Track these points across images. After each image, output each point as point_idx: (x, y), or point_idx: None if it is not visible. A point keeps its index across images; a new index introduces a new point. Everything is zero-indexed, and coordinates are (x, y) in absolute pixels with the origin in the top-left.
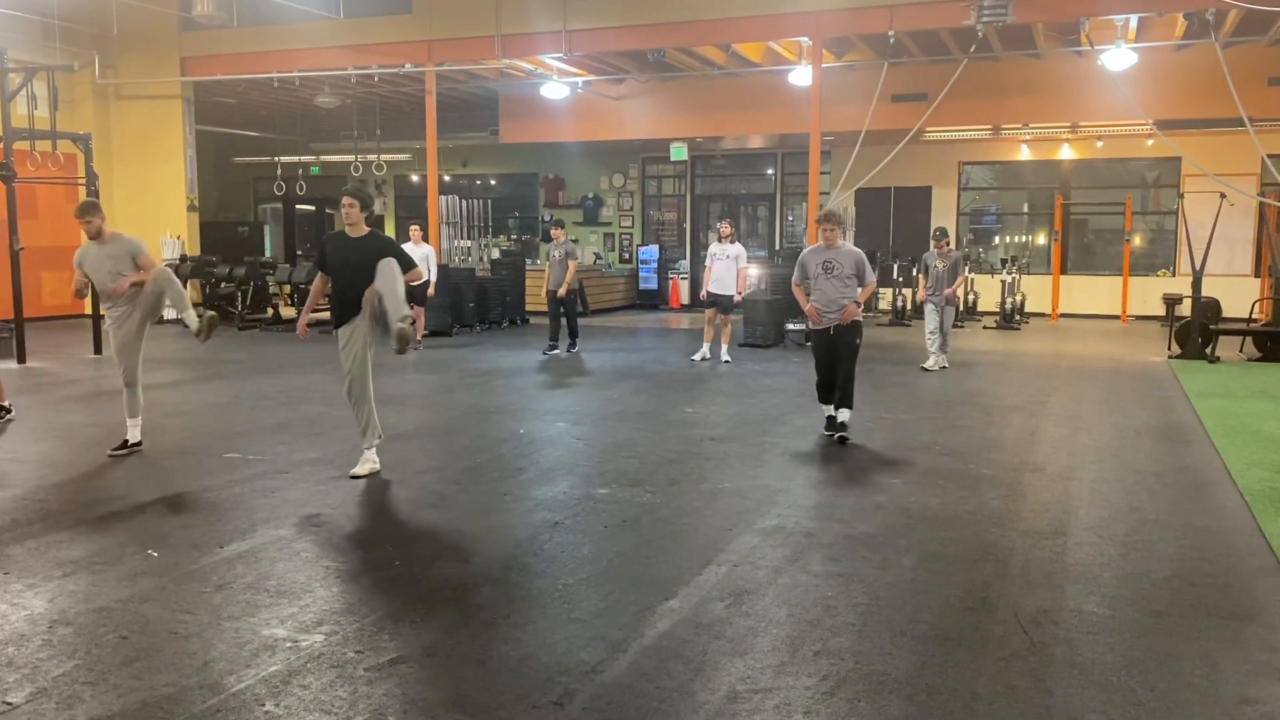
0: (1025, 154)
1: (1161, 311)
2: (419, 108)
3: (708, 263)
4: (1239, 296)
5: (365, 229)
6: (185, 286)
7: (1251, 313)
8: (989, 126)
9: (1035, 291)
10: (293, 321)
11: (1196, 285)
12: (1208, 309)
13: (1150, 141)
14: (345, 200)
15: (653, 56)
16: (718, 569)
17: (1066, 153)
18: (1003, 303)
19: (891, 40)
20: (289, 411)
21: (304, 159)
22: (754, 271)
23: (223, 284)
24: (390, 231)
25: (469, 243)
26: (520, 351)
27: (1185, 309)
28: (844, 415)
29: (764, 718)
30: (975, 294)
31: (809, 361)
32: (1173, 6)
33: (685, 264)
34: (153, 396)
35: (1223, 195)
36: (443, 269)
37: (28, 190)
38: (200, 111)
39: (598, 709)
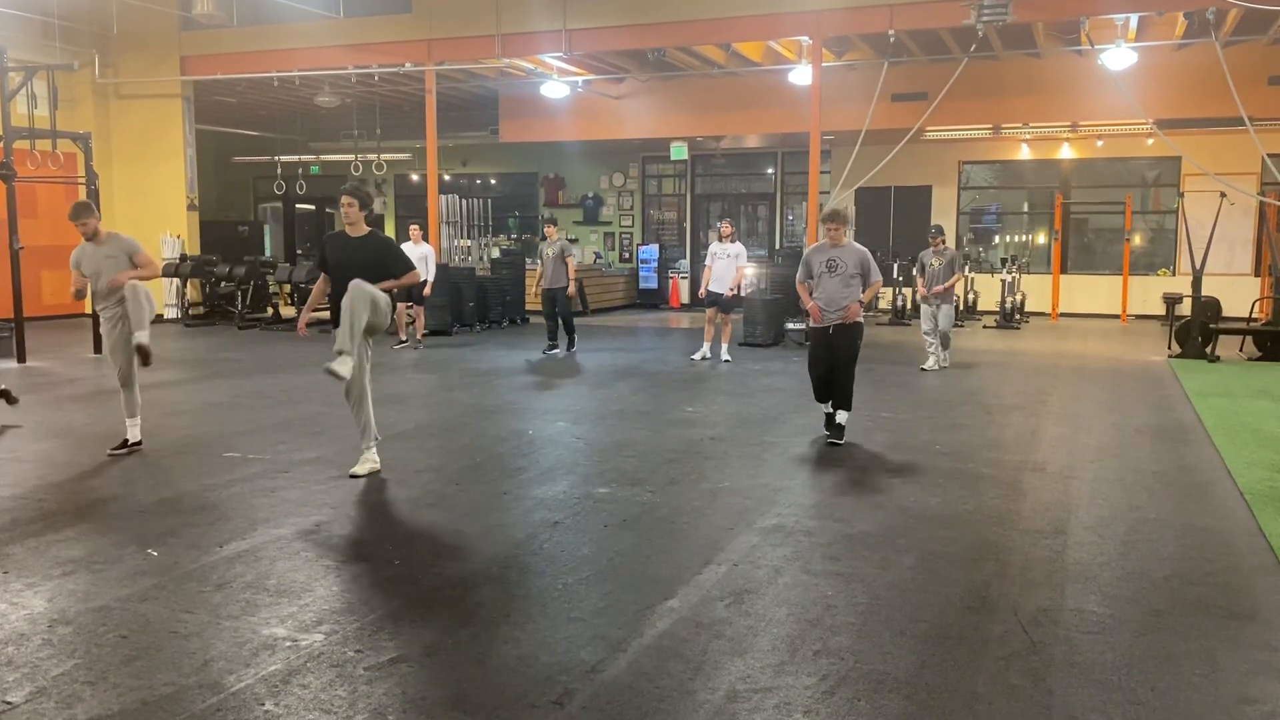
0: (1025, 153)
1: (1162, 311)
2: (419, 107)
3: (708, 262)
4: (1239, 296)
5: (365, 228)
6: (185, 286)
7: (1251, 312)
8: (989, 126)
9: (1035, 291)
10: (292, 321)
11: (1196, 284)
12: (1208, 308)
13: (1150, 141)
14: (344, 199)
15: (653, 56)
16: (718, 568)
17: (1066, 152)
18: (1003, 302)
19: (891, 39)
20: (289, 411)
21: (304, 158)
22: (750, 271)
23: (223, 283)
24: (390, 231)
25: (469, 242)
26: (520, 351)
27: (1185, 308)
28: (842, 417)
29: (764, 717)
30: (975, 293)
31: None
32: (1173, 6)
33: (685, 263)
34: (152, 396)
35: (1223, 194)
36: (443, 268)
37: (28, 189)
38: (200, 111)
39: (597, 708)
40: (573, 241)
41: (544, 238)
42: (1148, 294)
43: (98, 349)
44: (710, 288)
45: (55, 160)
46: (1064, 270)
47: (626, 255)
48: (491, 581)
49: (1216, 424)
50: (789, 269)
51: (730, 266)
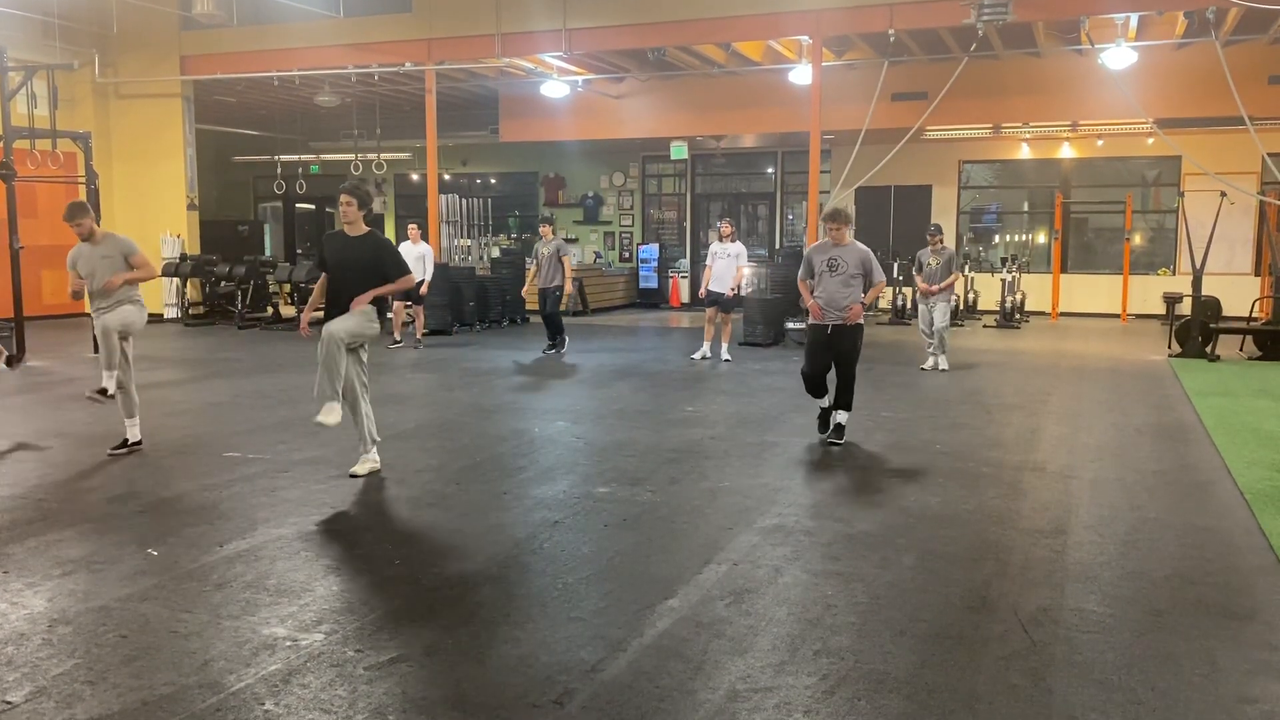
0: (1025, 153)
1: (1162, 310)
2: (419, 106)
3: (709, 261)
4: (1239, 295)
5: (364, 228)
6: (185, 286)
7: (1252, 311)
8: (989, 125)
9: (1035, 290)
10: (292, 320)
11: (1197, 284)
12: (1208, 307)
13: (1150, 140)
14: (343, 198)
15: (653, 55)
16: (718, 568)
17: (1067, 151)
18: (1003, 301)
19: (892, 39)
20: (289, 410)
21: (304, 158)
22: (748, 271)
23: (223, 283)
24: (390, 230)
25: (469, 241)
26: (520, 350)
27: (1185, 308)
28: (842, 416)
29: (764, 716)
30: (975, 292)
31: None
32: (1173, 5)
33: (685, 263)
34: (153, 395)
35: (1223, 194)
36: (443, 268)
37: (28, 189)
38: (200, 110)
39: (598, 708)
40: (573, 241)
41: (539, 237)
42: (1148, 293)
43: (97, 349)
44: (710, 287)
45: (55, 160)
46: (1064, 270)
47: (626, 255)
48: (491, 581)
49: (1217, 423)
50: (789, 269)
51: (730, 266)
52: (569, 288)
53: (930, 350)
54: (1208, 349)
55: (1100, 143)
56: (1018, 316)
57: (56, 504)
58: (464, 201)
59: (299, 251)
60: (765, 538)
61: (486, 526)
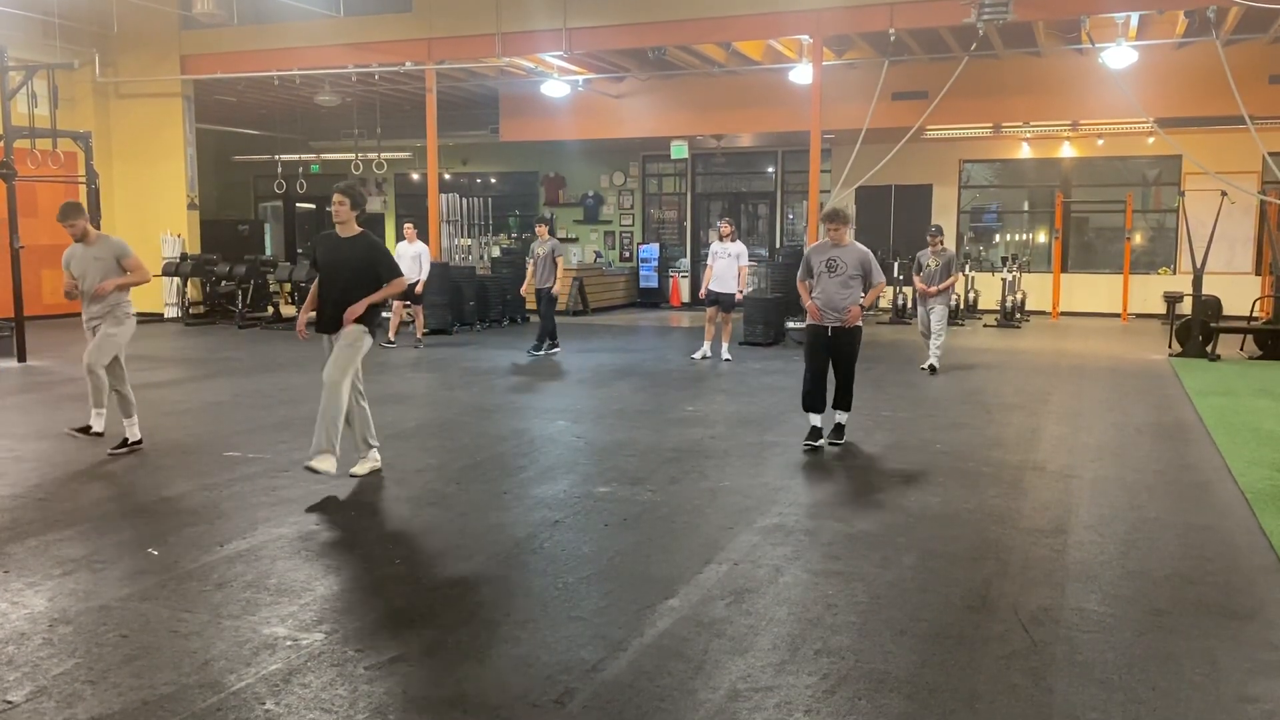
0: (1026, 152)
1: (1162, 309)
2: (419, 106)
3: (709, 261)
4: (1240, 294)
5: (356, 229)
6: (185, 285)
7: (1252, 311)
8: (989, 124)
9: (1036, 289)
10: (293, 320)
11: (1197, 283)
12: (1208, 307)
13: (1151, 139)
14: (336, 197)
15: (653, 54)
16: (718, 567)
17: (1067, 151)
18: (1003, 301)
19: (892, 38)
20: (289, 410)
21: (304, 157)
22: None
23: (223, 282)
24: (389, 229)
25: (469, 241)
26: (520, 350)
27: (1186, 307)
28: (842, 417)
29: (765, 716)
30: (976, 292)
31: None
32: (1173, 4)
33: (686, 262)
34: (152, 395)
35: (1223, 193)
36: (444, 267)
37: (28, 189)
38: (200, 110)
39: (598, 707)
40: (573, 241)
41: (535, 237)
42: (1148, 293)
43: None
44: (711, 287)
45: (55, 159)
46: (1064, 269)
47: (627, 254)
48: (491, 581)
49: (1217, 423)
50: (789, 268)
51: (731, 266)
52: (557, 287)
53: (930, 351)
54: (1208, 348)
55: (1100, 142)
56: (1018, 316)
57: (57, 503)
58: (464, 201)
59: (299, 251)
60: (765, 537)
61: (487, 526)
